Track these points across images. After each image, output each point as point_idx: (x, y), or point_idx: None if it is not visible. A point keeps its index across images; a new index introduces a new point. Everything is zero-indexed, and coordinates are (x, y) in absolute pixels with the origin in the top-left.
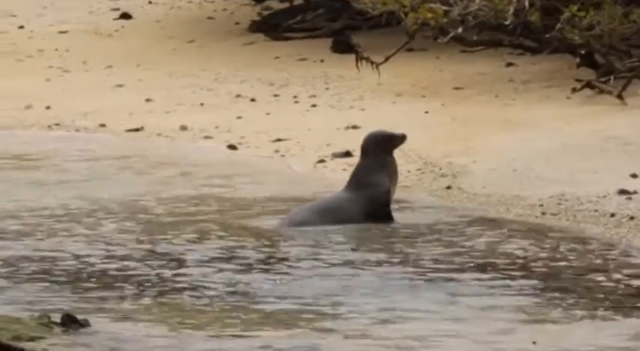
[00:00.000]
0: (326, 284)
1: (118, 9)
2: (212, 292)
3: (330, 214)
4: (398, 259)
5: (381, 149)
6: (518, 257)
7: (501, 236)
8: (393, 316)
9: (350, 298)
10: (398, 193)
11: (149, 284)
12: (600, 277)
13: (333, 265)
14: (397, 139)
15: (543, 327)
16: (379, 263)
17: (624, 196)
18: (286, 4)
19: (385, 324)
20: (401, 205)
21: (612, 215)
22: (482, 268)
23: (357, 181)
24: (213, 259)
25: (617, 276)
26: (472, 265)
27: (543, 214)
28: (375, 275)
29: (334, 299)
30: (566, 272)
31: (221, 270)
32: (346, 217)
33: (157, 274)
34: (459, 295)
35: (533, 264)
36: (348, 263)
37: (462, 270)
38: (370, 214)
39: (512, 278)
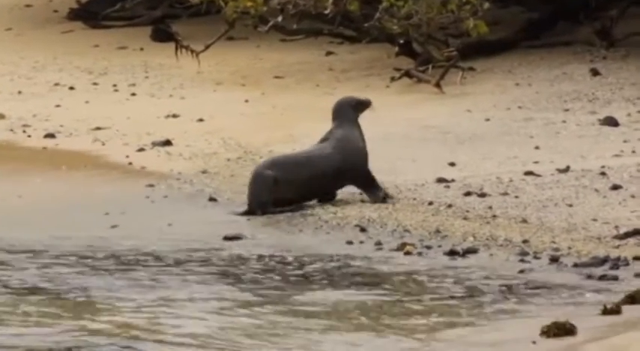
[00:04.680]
0: None
1: None
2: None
3: (300, 166)
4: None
5: (352, 113)
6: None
7: None
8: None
9: None
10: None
11: None
12: None
13: None
14: (365, 104)
15: None
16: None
17: (442, 185)
18: None
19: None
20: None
21: (430, 203)
22: None
23: (333, 136)
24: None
25: None
26: None
27: (363, 202)
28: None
29: None
30: None
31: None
32: (318, 171)
33: None
34: None
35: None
36: None
37: None
38: (350, 175)
39: None
